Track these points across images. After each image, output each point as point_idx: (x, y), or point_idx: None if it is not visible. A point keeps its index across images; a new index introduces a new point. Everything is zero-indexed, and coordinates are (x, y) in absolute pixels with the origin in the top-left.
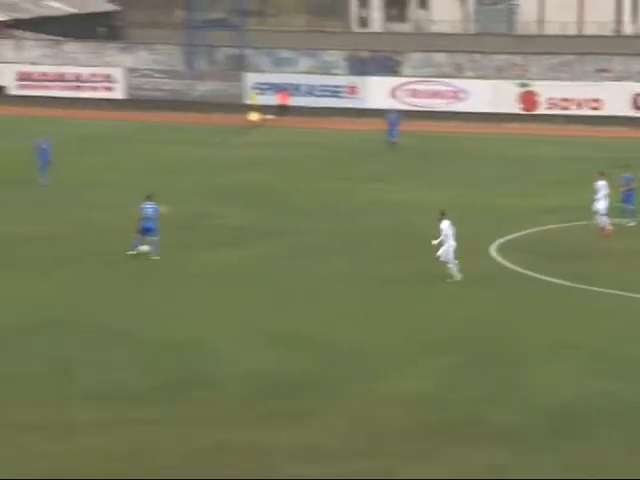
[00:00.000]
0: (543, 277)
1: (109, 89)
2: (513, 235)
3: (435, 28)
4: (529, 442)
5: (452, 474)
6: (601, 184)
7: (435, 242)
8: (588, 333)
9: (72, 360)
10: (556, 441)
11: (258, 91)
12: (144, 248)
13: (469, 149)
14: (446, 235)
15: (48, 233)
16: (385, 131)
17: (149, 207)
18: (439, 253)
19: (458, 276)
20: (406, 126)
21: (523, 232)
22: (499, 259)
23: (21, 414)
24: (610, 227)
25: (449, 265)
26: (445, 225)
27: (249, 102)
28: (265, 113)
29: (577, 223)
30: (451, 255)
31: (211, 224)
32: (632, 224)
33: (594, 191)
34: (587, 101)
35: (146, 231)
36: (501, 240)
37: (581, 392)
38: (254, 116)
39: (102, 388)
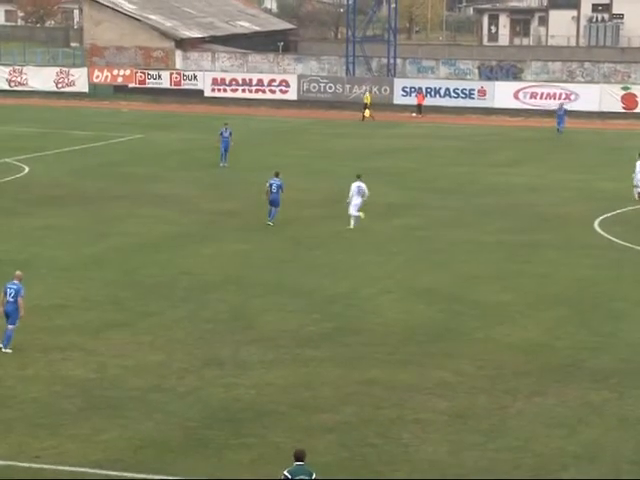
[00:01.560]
0: (637, 247)
1: (284, 92)
2: (614, 212)
3: (552, 41)
4: (623, 383)
5: (558, 407)
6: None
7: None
8: None
9: (251, 308)
10: None
11: (369, 93)
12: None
13: (580, 141)
14: (353, 194)
15: (227, 209)
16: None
17: (274, 182)
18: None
19: (352, 225)
20: (526, 122)
21: (623, 210)
22: (602, 232)
23: (205, 352)
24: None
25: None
26: (353, 186)
27: (364, 101)
28: (411, 112)
29: None
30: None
31: (369, 201)
32: None
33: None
34: None
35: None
36: (604, 216)
37: None
38: (367, 112)
39: (274, 332)
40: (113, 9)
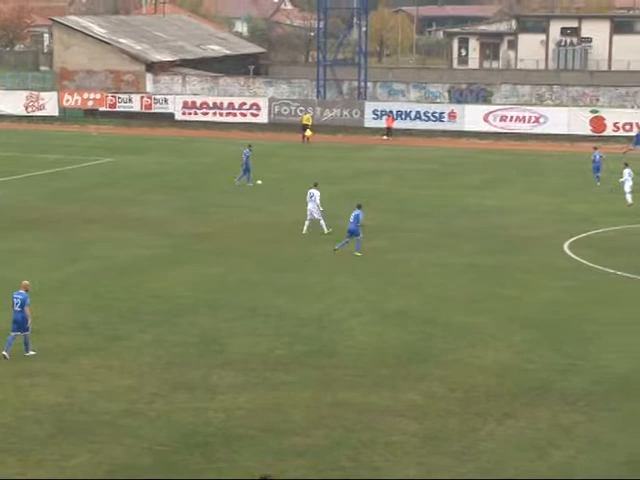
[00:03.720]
0: (607, 269)
1: (255, 115)
2: (584, 234)
3: (521, 65)
4: (593, 405)
5: (529, 430)
6: (626, 171)
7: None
8: None
9: (221, 331)
10: (616, 404)
11: (308, 114)
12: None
13: (549, 164)
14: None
15: (198, 232)
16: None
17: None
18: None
19: (305, 230)
20: (496, 145)
21: (592, 232)
22: (571, 254)
23: (176, 375)
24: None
25: (308, 220)
26: (311, 192)
27: (304, 122)
28: (382, 134)
29: (638, 225)
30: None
31: (342, 224)
32: None
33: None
34: None
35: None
36: (573, 238)
37: (638, 363)
38: (308, 132)
39: (245, 355)
40: (83, 33)
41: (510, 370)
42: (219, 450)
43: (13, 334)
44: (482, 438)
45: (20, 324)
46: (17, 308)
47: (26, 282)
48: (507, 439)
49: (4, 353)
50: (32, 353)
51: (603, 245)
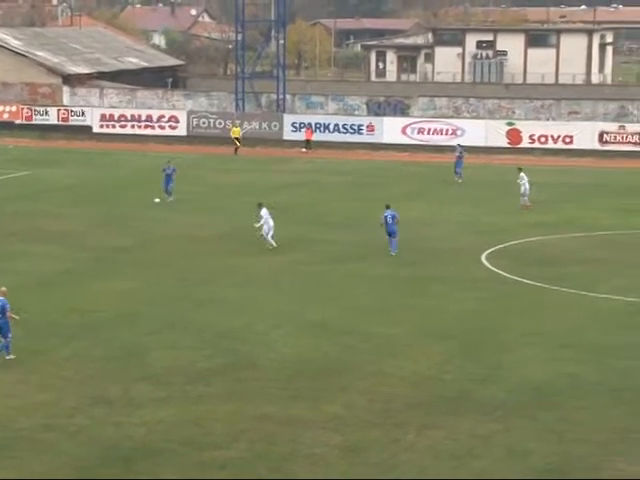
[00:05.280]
0: (523, 280)
1: (174, 127)
2: (501, 245)
3: (438, 78)
4: (509, 415)
5: (448, 440)
6: (521, 175)
7: (257, 225)
8: (557, 325)
9: (142, 345)
10: (532, 413)
11: (235, 126)
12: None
13: (467, 176)
14: (265, 219)
15: (116, 245)
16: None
17: (388, 214)
18: (261, 232)
19: (273, 244)
20: (414, 157)
21: (509, 243)
22: (489, 265)
23: (96, 389)
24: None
25: (267, 239)
26: (264, 212)
27: (233, 135)
28: (301, 147)
29: (554, 236)
30: (269, 232)
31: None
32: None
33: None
34: (561, 137)
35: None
36: (491, 249)
37: (552, 373)
38: (236, 132)
39: (165, 369)
40: None
41: (428, 380)
42: (140, 464)
43: None
44: (403, 448)
45: (2, 329)
46: None
47: (4, 288)
48: (427, 449)
49: None
50: (12, 357)
51: (520, 256)
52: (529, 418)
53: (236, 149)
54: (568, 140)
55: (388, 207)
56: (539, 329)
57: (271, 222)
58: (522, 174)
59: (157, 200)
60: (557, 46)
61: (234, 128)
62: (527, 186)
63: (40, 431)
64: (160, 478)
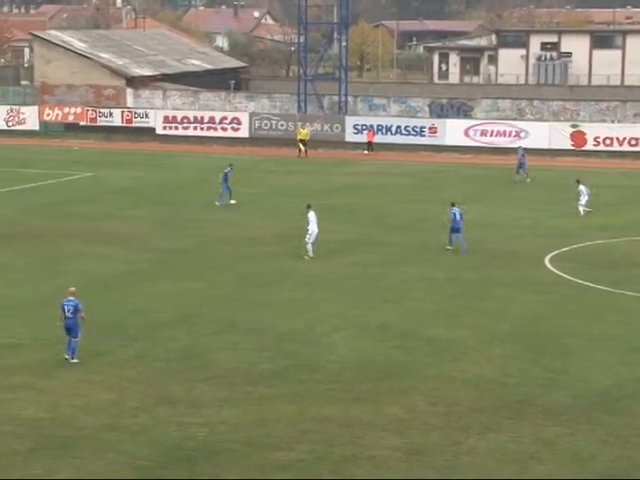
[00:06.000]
0: (587, 283)
1: (236, 129)
2: (564, 249)
3: (501, 80)
4: (574, 419)
5: (511, 443)
6: (581, 187)
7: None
8: (623, 329)
9: (203, 346)
10: (598, 418)
11: (303, 128)
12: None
13: (530, 178)
14: (311, 222)
15: (178, 247)
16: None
17: (456, 210)
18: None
19: (310, 254)
20: (477, 159)
21: (573, 246)
22: (552, 269)
23: (158, 390)
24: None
25: (308, 245)
26: (311, 215)
27: (299, 137)
28: (363, 149)
29: (619, 239)
30: (312, 238)
31: (321, 238)
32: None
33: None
34: (626, 139)
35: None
36: (554, 253)
37: (617, 378)
38: (303, 133)
39: (226, 370)
40: (64, 47)
41: (491, 384)
42: (202, 465)
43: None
44: (464, 452)
45: (72, 329)
46: (69, 315)
47: (73, 289)
48: (489, 453)
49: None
50: (76, 361)
51: (584, 259)
52: (594, 423)
53: (300, 151)
54: (634, 142)
55: (454, 205)
56: (604, 333)
57: (316, 228)
58: (581, 187)
59: (233, 202)
60: (623, 47)
61: (301, 130)
62: (586, 198)
63: (102, 430)
64: (222, 479)
